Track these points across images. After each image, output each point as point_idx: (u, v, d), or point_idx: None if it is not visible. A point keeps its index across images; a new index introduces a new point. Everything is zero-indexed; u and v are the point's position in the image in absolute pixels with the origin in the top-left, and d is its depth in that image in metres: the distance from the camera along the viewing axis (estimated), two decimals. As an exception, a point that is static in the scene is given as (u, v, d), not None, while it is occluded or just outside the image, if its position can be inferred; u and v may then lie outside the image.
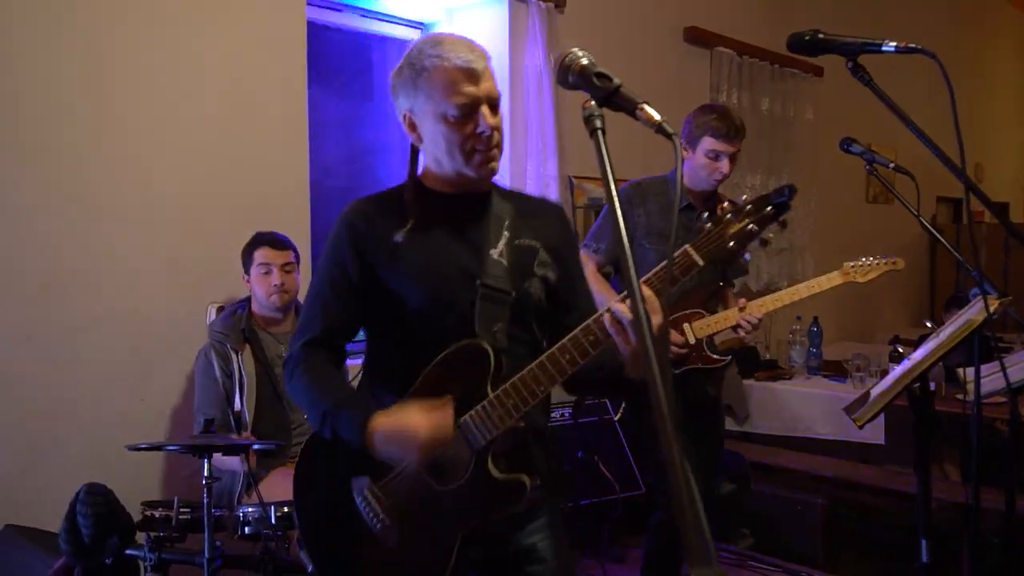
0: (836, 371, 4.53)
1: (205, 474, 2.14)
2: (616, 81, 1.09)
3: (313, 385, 1.58)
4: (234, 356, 2.74)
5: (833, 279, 2.88)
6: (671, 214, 2.84)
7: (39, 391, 2.65)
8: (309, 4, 3.33)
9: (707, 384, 2.93)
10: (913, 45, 1.57)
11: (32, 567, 2.35)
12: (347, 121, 3.94)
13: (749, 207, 1.44)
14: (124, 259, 2.83)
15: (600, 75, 1.10)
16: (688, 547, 0.70)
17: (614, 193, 1.00)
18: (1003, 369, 1.64)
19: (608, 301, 1.35)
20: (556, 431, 3.69)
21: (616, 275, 3.03)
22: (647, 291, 1.39)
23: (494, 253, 1.58)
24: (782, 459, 4.33)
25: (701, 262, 1.40)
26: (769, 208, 1.38)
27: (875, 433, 4.04)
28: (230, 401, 2.71)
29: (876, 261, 2.88)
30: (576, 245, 1.80)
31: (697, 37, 4.82)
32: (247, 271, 2.87)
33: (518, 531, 1.60)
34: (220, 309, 2.98)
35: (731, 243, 1.38)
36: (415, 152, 1.67)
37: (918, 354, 1.87)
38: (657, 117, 1.05)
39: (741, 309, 2.80)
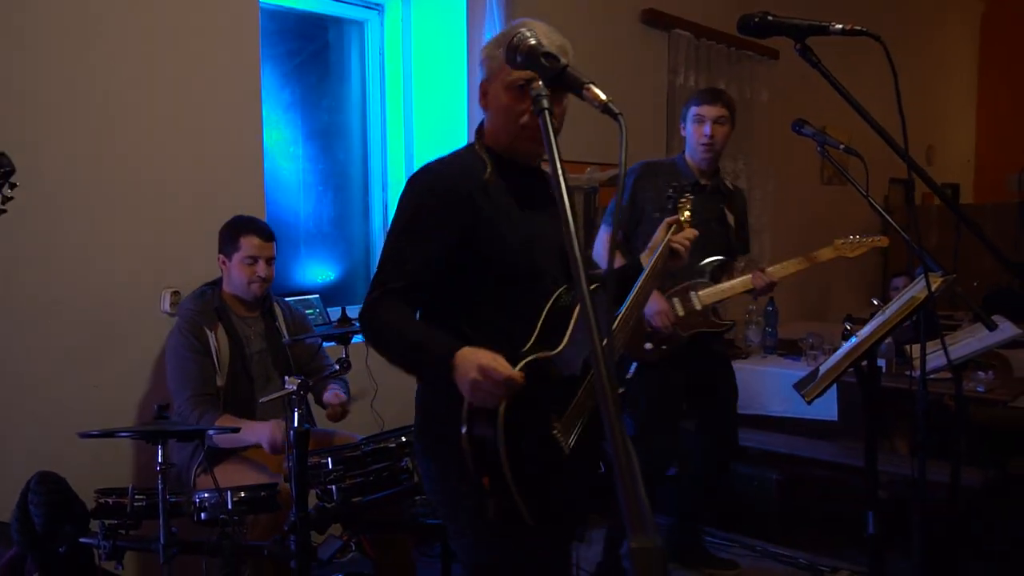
0: (791, 350, 4.60)
1: (160, 460, 2.12)
2: (563, 61, 1.10)
3: (396, 323, 1.67)
4: (209, 333, 2.72)
5: (826, 253, 3.24)
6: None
7: (-12, 379, 2.60)
8: (262, -16, 3.28)
9: (712, 343, 3.31)
10: (859, 28, 1.60)
11: (-17, 557, 2.32)
12: (302, 103, 3.89)
13: (688, 194, 2.30)
14: (75, 245, 2.78)
15: (547, 55, 1.11)
16: (628, 518, 0.71)
17: (560, 171, 1.00)
18: (944, 348, 1.68)
19: None
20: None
21: (625, 243, 3.29)
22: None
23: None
24: (739, 437, 4.39)
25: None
26: (687, 194, 2.34)
27: (827, 409, 4.12)
28: (210, 375, 2.69)
29: (865, 238, 3.23)
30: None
31: (655, 19, 4.83)
32: (227, 254, 2.82)
33: None
34: (175, 294, 2.94)
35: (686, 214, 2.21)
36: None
37: (864, 331, 1.92)
38: (603, 96, 1.06)
39: (762, 271, 3.18)
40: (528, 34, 1.15)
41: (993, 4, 9.42)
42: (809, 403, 1.96)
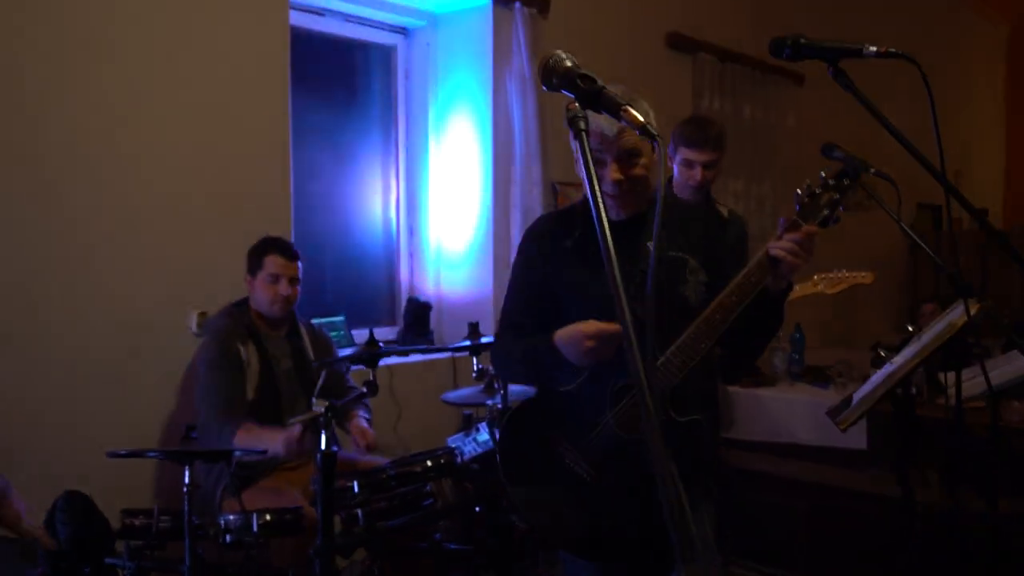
0: (818, 377, 4.53)
1: (187, 481, 2.12)
2: (600, 83, 1.09)
3: (507, 353, 2.01)
4: (241, 348, 2.73)
5: (802, 289, 2.99)
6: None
7: (15, 396, 2.61)
8: (292, 9, 3.31)
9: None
10: (893, 50, 1.58)
11: (9, 577, 2.32)
12: (330, 127, 3.92)
13: (832, 181, 1.75)
14: (104, 262, 2.80)
15: (584, 77, 1.10)
16: (678, 548, 0.70)
17: (599, 195, 0.99)
18: (985, 373, 1.65)
19: None
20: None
21: None
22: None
23: (649, 244, 1.86)
24: (765, 465, 4.33)
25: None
26: (846, 180, 1.72)
27: (857, 438, 4.04)
28: (239, 384, 2.69)
29: (845, 274, 2.97)
30: (723, 243, 2.02)
31: (679, 43, 4.84)
32: (252, 273, 2.85)
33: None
34: (202, 315, 2.95)
35: (824, 210, 1.72)
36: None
37: (900, 358, 1.88)
38: (641, 118, 1.05)
39: None
40: (563, 56, 1.14)
41: (1020, 25, 9.35)
42: (844, 431, 1.92)
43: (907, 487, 1.99)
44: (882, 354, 1.93)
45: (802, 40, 1.66)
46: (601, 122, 1.74)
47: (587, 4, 4.35)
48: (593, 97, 1.09)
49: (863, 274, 2.93)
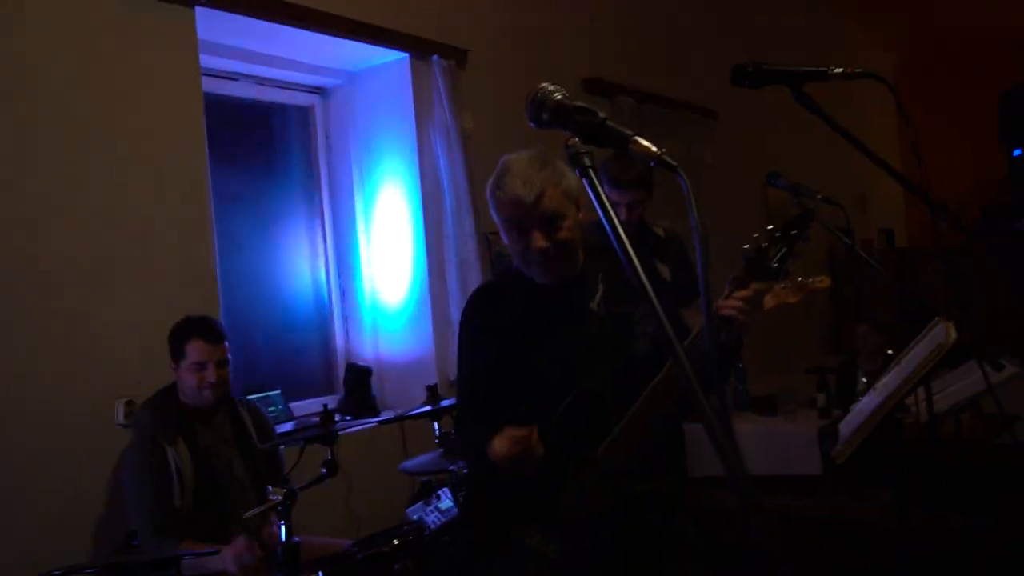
0: (765, 406, 4.52)
1: (130, 595, 1.88)
2: (601, 114, 1.00)
3: (464, 445, 2.10)
4: (168, 449, 2.48)
5: (771, 300, 2.92)
6: None
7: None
8: (204, 75, 3.15)
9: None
10: (860, 70, 1.56)
11: None
12: (251, 194, 3.74)
13: (779, 234, 1.67)
14: (17, 352, 2.54)
15: (580, 109, 1.01)
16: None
17: (622, 235, 0.89)
18: (985, 374, 1.61)
19: None
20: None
21: None
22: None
23: (592, 305, 1.84)
24: (724, 501, 4.27)
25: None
26: (794, 231, 1.64)
27: (812, 464, 4.04)
28: (168, 497, 2.44)
29: (802, 280, 2.95)
30: (663, 276, 1.98)
31: (597, 86, 4.86)
32: (175, 360, 2.60)
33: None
34: (129, 404, 2.71)
35: (773, 264, 1.64)
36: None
37: (885, 385, 1.83)
38: (654, 149, 0.96)
39: None
40: (550, 88, 1.05)
41: (905, 53, 9.88)
42: (840, 464, 1.86)
43: (903, 514, 1.93)
44: (864, 381, 1.88)
45: (764, 66, 1.63)
46: (517, 189, 1.73)
47: (503, 54, 4.33)
48: (595, 130, 0.99)
49: (820, 278, 2.90)
